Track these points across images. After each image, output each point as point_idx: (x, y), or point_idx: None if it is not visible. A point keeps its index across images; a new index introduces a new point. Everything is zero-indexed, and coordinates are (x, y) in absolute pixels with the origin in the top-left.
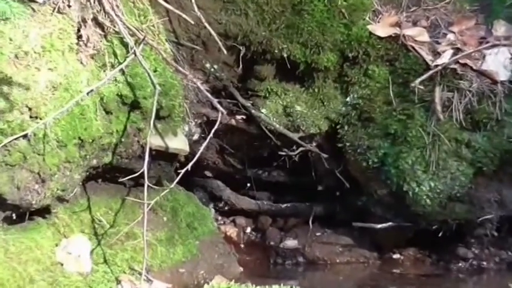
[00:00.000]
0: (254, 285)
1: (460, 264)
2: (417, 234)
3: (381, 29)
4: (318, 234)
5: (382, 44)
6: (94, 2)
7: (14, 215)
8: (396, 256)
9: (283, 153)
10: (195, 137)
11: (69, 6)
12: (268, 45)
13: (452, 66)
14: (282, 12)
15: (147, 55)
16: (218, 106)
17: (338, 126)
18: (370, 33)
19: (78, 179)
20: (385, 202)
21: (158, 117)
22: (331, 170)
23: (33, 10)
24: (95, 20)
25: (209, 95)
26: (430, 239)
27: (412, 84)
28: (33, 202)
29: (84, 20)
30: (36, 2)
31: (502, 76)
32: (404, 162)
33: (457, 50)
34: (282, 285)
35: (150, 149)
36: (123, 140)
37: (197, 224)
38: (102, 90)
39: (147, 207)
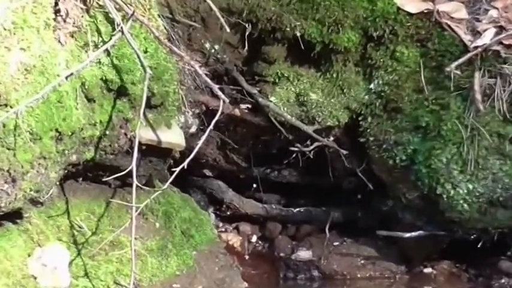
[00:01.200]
0: None
1: (502, 280)
2: (452, 244)
3: (411, 3)
4: (335, 244)
5: (412, 22)
6: None
7: None
8: (428, 270)
9: (296, 149)
10: (193, 129)
11: None
12: (278, 22)
13: (495, 47)
14: None
15: (136, 33)
16: (219, 93)
17: (360, 118)
18: (398, 8)
19: (55, 178)
20: (415, 207)
21: (149, 105)
22: (351, 169)
23: None
24: None
25: (209, 80)
26: (467, 251)
27: (447, 69)
28: (2, 205)
29: None
30: None
31: None
32: (438, 161)
33: (501, 29)
34: None
35: (140, 143)
36: (107, 132)
37: (194, 231)
38: (84, 74)
39: (136, 211)
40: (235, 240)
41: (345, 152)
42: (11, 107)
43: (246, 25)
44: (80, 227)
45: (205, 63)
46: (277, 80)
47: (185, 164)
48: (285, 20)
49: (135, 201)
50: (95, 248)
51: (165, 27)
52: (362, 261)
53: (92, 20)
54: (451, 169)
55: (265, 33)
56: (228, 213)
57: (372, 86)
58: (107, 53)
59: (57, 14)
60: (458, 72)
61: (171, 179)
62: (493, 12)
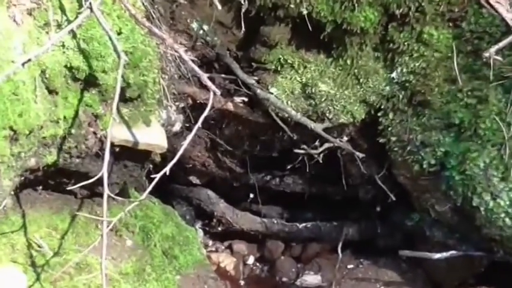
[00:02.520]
0: None
1: None
2: (492, 267)
3: None
4: (350, 266)
5: None
6: None
7: None
8: None
9: (302, 152)
10: (176, 127)
11: None
12: None
13: None
14: None
15: (108, 10)
16: (209, 84)
17: (380, 114)
18: None
19: (9, 187)
20: (446, 222)
21: (124, 98)
22: (369, 175)
23: None
24: None
25: (196, 67)
26: (509, 275)
27: (486, 54)
28: None
29: None
30: None
31: None
32: (474, 165)
33: None
34: None
35: (112, 144)
36: (73, 131)
37: (178, 251)
38: (44, 61)
39: (107, 226)
40: (228, 262)
41: (361, 155)
42: None
43: (242, 1)
44: (39, 246)
45: (192, 47)
46: (279, 68)
47: (167, 169)
48: None
49: (107, 214)
50: (57, 272)
51: (143, 4)
52: (382, 287)
53: None
54: (490, 176)
55: (265, 11)
56: (220, 229)
57: (394, 74)
58: (73, 34)
59: None
60: (499, 58)
61: (149, 188)
62: None
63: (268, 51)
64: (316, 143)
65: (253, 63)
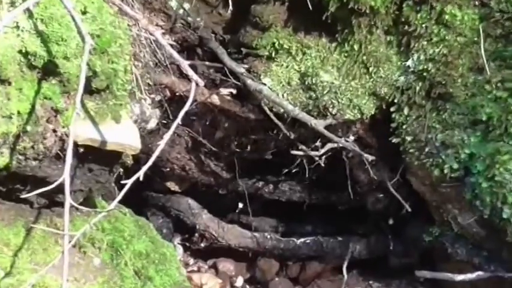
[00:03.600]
0: None
1: None
2: None
3: None
4: None
5: None
6: None
7: None
8: None
9: (300, 153)
10: (152, 124)
11: None
12: None
13: None
14: None
15: None
16: (190, 72)
17: (392, 109)
18: None
19: None
20: (471, 237)
21: (90, 90)
22: (380, 182)
23: None
24: None
25: (175, 53)
26: None
27: None
28: None
29: None
30: None
31: None
32: (505, 170)
33: None
34: None
35: (76, 144)
36: (29, 128)
37: (153, 271)
38: None
39: (69, 241)
40: (212, 284)
41: (370, 157)
42: None
43: None
44: None
45: (171, 29)
46: (273, 54)
47: (140, 173)
48: None
49: (69, 227)
50: None
51: None
52: None
53: None
54: None
55: None
56: (202, 245)
57: (409, 62)
58: (29, 14)
59: None
60: None
61: (119, 196)
62: None
63: (260, 35)
64: (318, 143)
65: (242, 49)
